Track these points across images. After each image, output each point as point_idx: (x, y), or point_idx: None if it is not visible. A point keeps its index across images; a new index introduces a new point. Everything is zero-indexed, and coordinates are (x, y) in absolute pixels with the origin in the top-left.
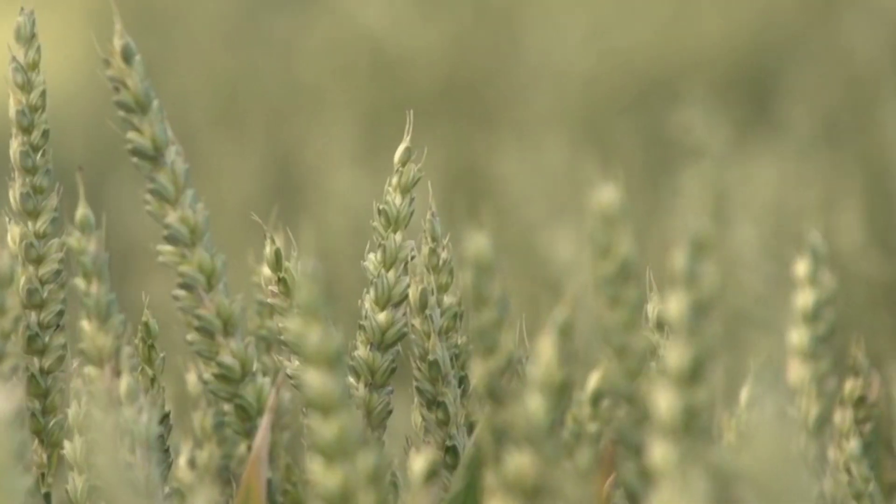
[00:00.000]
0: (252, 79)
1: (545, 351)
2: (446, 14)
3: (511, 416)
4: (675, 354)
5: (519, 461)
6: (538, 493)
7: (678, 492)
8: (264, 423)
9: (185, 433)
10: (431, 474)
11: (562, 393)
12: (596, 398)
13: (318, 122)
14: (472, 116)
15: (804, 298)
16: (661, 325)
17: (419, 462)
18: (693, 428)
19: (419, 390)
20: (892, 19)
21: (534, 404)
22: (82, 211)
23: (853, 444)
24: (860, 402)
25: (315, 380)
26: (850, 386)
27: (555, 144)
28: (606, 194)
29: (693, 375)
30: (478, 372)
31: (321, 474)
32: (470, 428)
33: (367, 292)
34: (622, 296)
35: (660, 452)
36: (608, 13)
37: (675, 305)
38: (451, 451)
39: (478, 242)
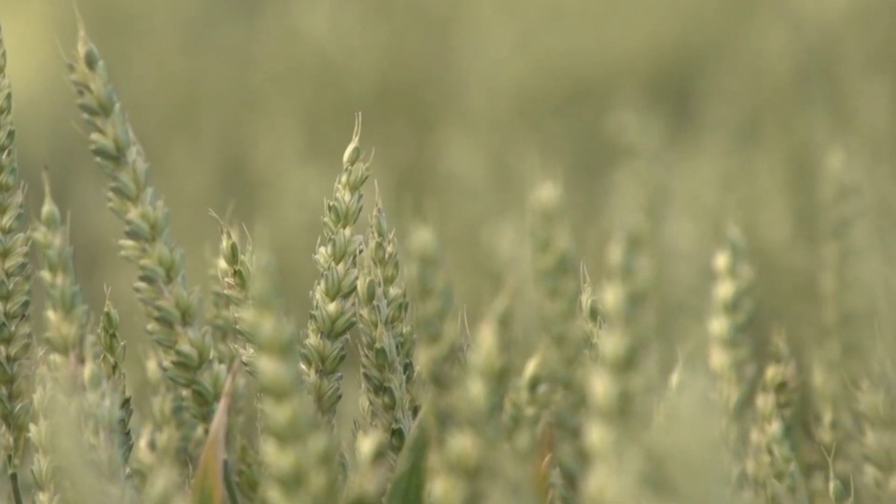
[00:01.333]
0: (206, 83)
1: (486, 339)
2: (387, 22)
3: (454, 400)
4: (611, 343)
5: (461, 443)
6: (479, 472)
7: (613, 472)
8: (221, 407)
9: (145, 417)
10: (378, 455)
11: (501, 379)
12: (533, 384)
13: (267, 124)
14: (412, 118)
15: (724, 290)
16: (594, 316)
17: (367, 444)
18: (628, 412)
19: (367, 376)
20: (807, 24)
21: (475, 389)
22: (48, 207)
23: (775, 427)
24: (781, 387)
25: (268, 367)
26: (772, 372)
27: (492, 144)
28: (546, 192)
29: (628, 363)
30: (422, 359)
31: (275, 456)
32: (414, 412)
33: (318, 284)
34: (560, 288)
35: (596, 435)
36: (538, 20)
37: (611, 297)
38: (397, 433)
39: (422, 237)
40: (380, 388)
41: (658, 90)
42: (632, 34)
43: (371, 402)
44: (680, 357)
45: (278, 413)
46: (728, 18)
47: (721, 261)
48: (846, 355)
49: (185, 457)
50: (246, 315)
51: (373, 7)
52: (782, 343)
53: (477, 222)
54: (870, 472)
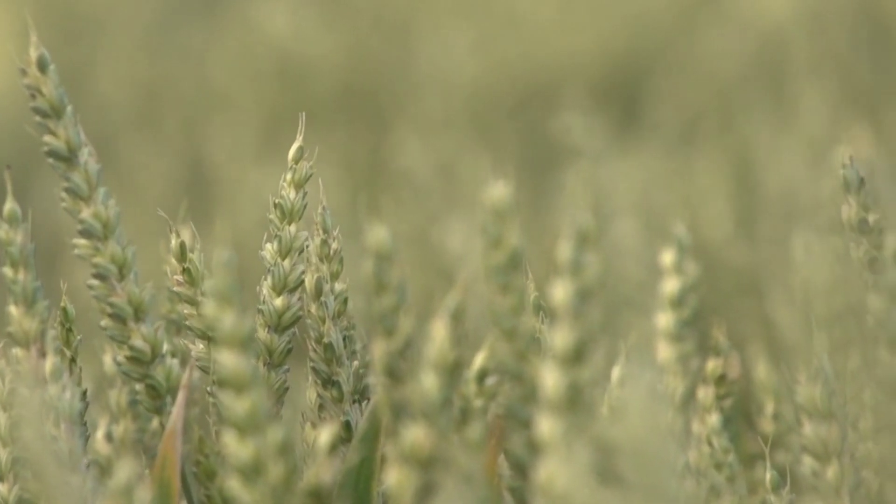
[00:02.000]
0: (168, 84)
1: (438, 333)
2: (346, 24)
3: (407, 392)
4: (560, 337)
5: (414, 434)
6: (432, 463)
7: (563, 462)
8: (179, 399)
9: (102, 409)
10: (335, 447)
11: (454, 371)
12: (481, 376)
13: (228, 124)
14: (371, 118)
15: (670, 285)
16: (537, 311)
17: (324, 435)
18: (577, 404)
19: (315, 370)
20: (751, 28)
21: (428, 382)
22: (10, 206)
23: (714, 419)
24: (721, 380)
25: (228, 360)
26: (712, 365)
27: (447, 144)
28: (497, 190)
29: (577, 356)
30: (378, 352)
31: (234, 447)
32: (360, 404)
33: (265, 279)
34: (511, 283)
35: (546, 426)
36: (493, 25)
37: (560, 292)
38: (346, 426)
39: (378, 234)
40: (328, 382)
41: (607, 92)
42: (583, 39)
43: (319, 395)
44: (624, 350)
45: (238, 405)
46: (675, 23)
47: (667, 257)
48: (798, 348)
49: (140, 448)
50: (205, 310)
51: (333, 10)
52: (722, 337)
53: (430, 220)
54: (808, 462)
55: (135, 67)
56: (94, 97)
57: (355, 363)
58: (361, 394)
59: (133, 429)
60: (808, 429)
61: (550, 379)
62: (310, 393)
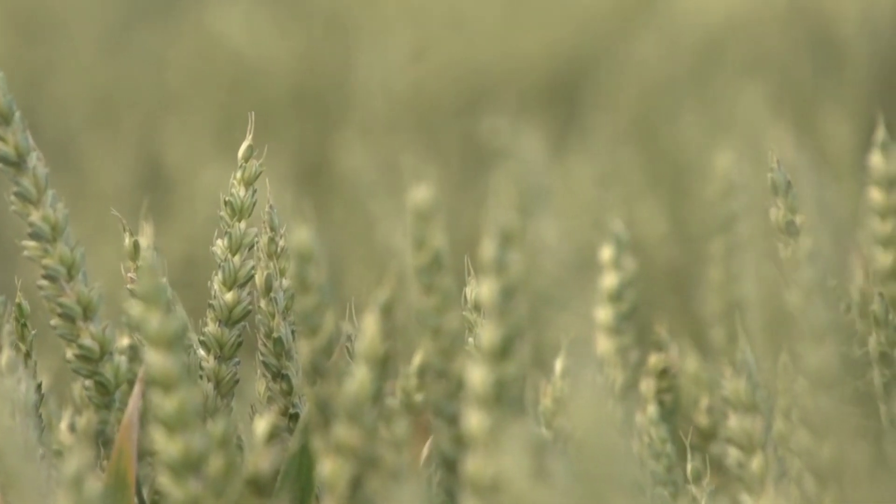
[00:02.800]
0: (126, 86)
1: (369, 328)
2: (297, 30)
3: (336, 387)
4: (486, 333)
5: (342, 431)
6: (361, 458)
7: (490, 456)
8: (136, 392)
9: (64, 401)
10: (273, 436)
11: (384, 365)
12: (422, 372)
13: (184, 125)
14: (319, 120)
15: (609, 280)
16: (478, 307)
17: (261, 425)
18: (504, 399)
19: (265, 364)
20: (682, 35)
21: (360, 375)
22: None
23: (651, 410)
24: (663, 373)
25: (156, 359)
26: (654, 359)
27: (391, 145)
28: (421, 193)
29: (503, 352)
30: (303, 351)
31: (164, 444)
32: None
33: (216, 275)
34: (436, 283)
35: (474, 421)
36: (438, 29)
37: (486, 290)
38: (294, 417)
39: (301, 234)
40: (277, 375)
41: (548, 95)
42: (524, 43)
43: (269, 388)
44: (564, 344)
45: (166, 403)
46: (613, 28)
47: (606, 253)
48: (730, 343)
49: (103, 439)
50: (133, 310)
51: (284, 15)
52: (664, 332)
53: (373, 219)
54: (733, 453)
55: (94, 70)
56: (55, 98)
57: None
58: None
59: (96, 420)
60: (734, 421)
61: (478, 374)
62: (259, 386)
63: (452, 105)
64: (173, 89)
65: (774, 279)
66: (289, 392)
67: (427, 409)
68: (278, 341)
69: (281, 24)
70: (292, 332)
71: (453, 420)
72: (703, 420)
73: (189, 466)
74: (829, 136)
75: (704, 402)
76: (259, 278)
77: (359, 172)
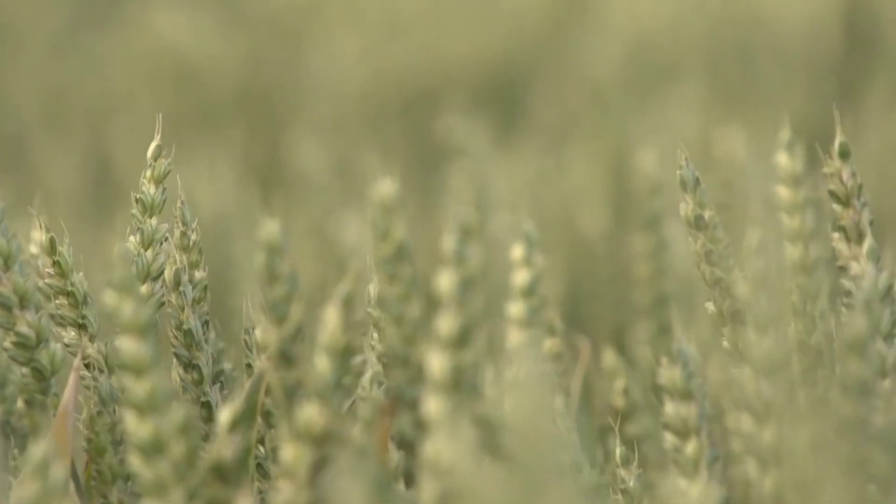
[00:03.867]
0: (74, 87)
1: (331, 319)
2: (242, 32)
3: (300, 374)
4: (445, 322)
5: (308, 412)
6: (326, 439)
7: (449, 439)
8: (71, 381)
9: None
10: (236, 424)
11: (345, 354)
12: (383, 359)
13: (132, 125)
14: (268, 119)
15: (521, 277)
16: (430, 299)
17: (225, 413)
18: (461, 385)
19: (176, 355)
20: (620, 37)
21: (321, 364)
22: None
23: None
24: (558, 358)
25: (129, 346)
26: (549, 344)
27: (340, 144)
28: (385, 187)
29: (461, 340)
30: (272, 339)
31: (134, 426)
32: (221, 385)
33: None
34: (398, 273)
35: (433, 405)
36: (382, 34)
37: (445, 281)
38: (206, 405)
39: (269, 228)
40: (189, 365)
41: (489, 95)
42: (465, 45)
43: (181, 377)
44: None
45: (137, 387)
46: (550, 30)
47: (517, 252)
48: (661, 333)
49: (7, 429)
50: (107, 299)
51: (229, 17)
52: (558, 320)
53: (324, 214)
54: (669, 438)
55: (44, 71)
56: (5, 99)
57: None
58: (218, 376)
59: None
60: (670, 407)
61: (436, 361)
62: (173, 375)
63: (398, 105)
64: (121, 90)
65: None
66: (200, 381)
67: (391, 393)
68: (188, 332)
69: (225, 27)
70: (203, 323)
71: (414, 404)
72: (619, 403)
73: (159, 448)
74: (762, 135)
75: (620, 384)
76: (168, 272)
77: (309, 170)
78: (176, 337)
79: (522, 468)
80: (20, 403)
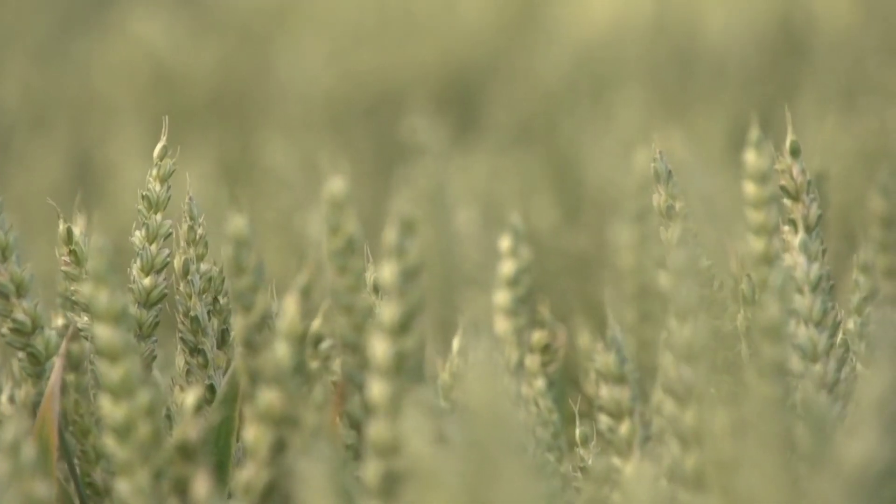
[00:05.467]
0: (58, 90)
1: (289, 308)
2: (215, 38)
3: (262, 361)
4: (387, 311)
5: (268, 396)
6: (284, 421)
7: (392, 420)
8: (57, 366)
9: (6, 376)
10: (200, 407)
11: (303, 341)
12: (316, 341)
13: (112, 126)
14: (240, 120)
15: (507, 267)
16: (377, 289)
17: (189, 397)
18: (404, 370)
19: (183, 340)
20: (569, 45)
21: (280, 351)
22: None
23: (540, 383)
24: (546, 348)
25: (104, 333)
26: (538, 336)
27: (308, 143)
28: (336, 185)
29: (403, 328)
30: (237, 326)
31: (109, 409)
32: (225, 370)
33: (134, 262)
34: (349, 265)
35: (377, 389)
36: (347, 39)
37: (387, 272)
38: (210, 389)
39: (237, 222)
40: (195, 350)
41: (448, 99)
42: (426, 52)
43: (187, 362)
44: (462, 324)
45: (112, 372)
46: (506, 38)
47: (504, 243)
48: (642, 321)
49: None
50: (84, 288)
51: (203, 23)
52: (547, 312)
53: (291, 209)
54: (604, 420)
55: (29, 74)
56: None
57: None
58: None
59: (34, 392)
60: (605, 391)
61: (380, 348)
62: (178, 360)
63: (362, 107)
64: (102, 92)
65: (647, 262)
66: (205, 365)
67: (342, 378)
68: (195, 320)
69: (199, 33)
70: (208, 311)
71: (362, 387)
72: (591, 389)
73: (132, 429)
74: (702, 136)
75: (593, 373)
76: (177, 263)
77: (277, 168)
78: (183, 323)
79: (474, 449)
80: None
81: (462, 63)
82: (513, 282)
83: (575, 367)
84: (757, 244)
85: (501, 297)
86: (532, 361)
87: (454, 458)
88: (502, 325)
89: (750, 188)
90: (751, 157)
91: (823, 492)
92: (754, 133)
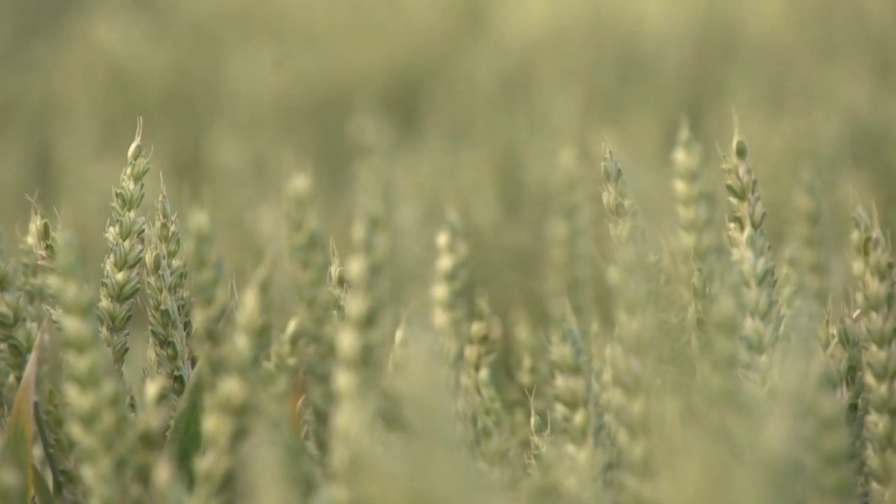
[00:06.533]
0: (20, 92)
1: (249, 302)
2: (170, 41)
3: (224, 352)
4: (354, 304)
5: (229, 387)
6: (245, 411)
7: (356, 410)
8: (33, 357)
9: None
10: (162, 397)
11: (262, 334)
12: (295, 339)
13: (71, 126)
14: (193, 121)
15: (445, 262)
16: (341, 283)
17: (151, 388)
18: (369, 361)
19: (153, 333)
20: (508, 49)
21: (240, 343)
22: None
23: (482, 373)
24: (484, 340)
25: (72, 325)
26: (476, 328)
27: (258, 143)
28: (299, 182)
29: (369, 321)
30: (198, 318)
31: (76, 398)
32: (193, 362)
33: (108, 257)
34: (311, 260)
35: (343, 380)
36: (296, 43)
37: (355, 267)
38: (179, 379)
39: (199, 219)
40: (164, 342)
41: (393, 100)
42: (372, 55)
43: (157, 354)
44: (405, 316)
45: (79, 363)
46: (449, 42)
47: (442, 239)
48: (575, 314)
49: (1, 399)
50: (52, 282)
51: (160, 28)
52: (485, 304)
53: (242, 207)
54: (560, 409)
55: None
56: None
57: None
58: (193, 352)
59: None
60: (560, 381)
61: (346, 340)
62: (149, 352)
63: (311, 108)
64: (61, 95)
65: (603, 258)
66: (174, 357)
67: (302, 369)
68: (165, 313)
69: (154, 36)
70: (178, 305)
71: (325, 379)
72: (527, 379)
73: (98, 417)
74: (637, 136)
75: (527, 363)
76: (149, 258)
77: (229, 166)
78: (154, 316)
79: (420, 437)
80: (11, 377)
81: (407, 66)
82: (450, 276)
83: (509, 358)
84: (687, 240)
85: (440, 290)
86: (471, 352)
87: (397, 445)
88: (441, 317)
89: (680, 186)
90: (681, 157)
91: (745, 478)
92: (684, 133)
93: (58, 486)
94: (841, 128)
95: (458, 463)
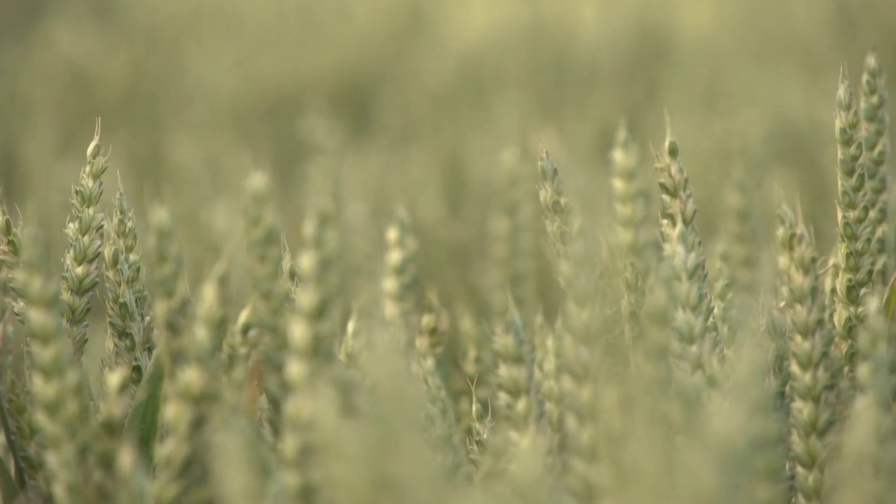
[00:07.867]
0: None
1: (208, 294)
2: (128, 43)
3: (184, 342)
4: (306, 297)
5: (189, 376)
6: (204, 399)
7: (309, 398)
8: None
9: None
10: (124, 387)
11: (220, 325)
12: (245, 329)
13: (34, 126)
14: (151, 121)
15: (394, 256)
16: (292, 276)
17: (114, 377)
18: (320, 351)
19: (112, 324)
20: (453, 51)
21: (200, 334)
22: None
23: (429, 363)
24: (433, 331)
25: (37, 317)
26: (426, 320)
27: (213, 142)
28: (257, 180)
29: (320, 312)
30: (159, 310)
31: (41, 387)
32: (150, 352)
33: (68, 252)
34: (268, 254)
35: (295, 369)
36: (250, 46)
37: (306, 261)
38: (137, 369)
39: (159, 215)
40: (123, 334)
41: (342, 101)
42: (323, 57)
43: (115, 345)
44: (356, 308)
45: (44, 353)
46: (396, 45)
47: (392, 234)
48: (517, 306)
49: None
50: (18, 276)
51: (119, 30)
52: (434, 298)
53: (197, 204)
54: (503, 397)
55: None
56: None
57: (147, 318)
58: (150, 343)
59: None
60: (503, 370)
61: (298, 331)
62: (108, 343)
63: (264, 108)
64: (25, 96)
65: (544, 253)
66: (132, 348)
67: (259, 358)
68: (124, 305)
69: (115, 39)
70: (136, 298)
71: (279, 368)
72: (471, 369)
73: (62, 405)
74: (574, 136)
75: (472, 353)
76: (107, 253)
77: (185, 165)
78: (112, 309)
79: (377, 423)
80: None
81: (356, 68)
82: (400, 270)
83: (455, 349)
84: (625, 235)
85: (389, 283)
86: (421, 343)
87: (359, 431)
88: (391, 309)
89: (618, 184)
90: (619, 156)
91: (696, 463)
92: (622, 134)
93: (19, 471)
94: (770, 128)
95: (421, 447)
